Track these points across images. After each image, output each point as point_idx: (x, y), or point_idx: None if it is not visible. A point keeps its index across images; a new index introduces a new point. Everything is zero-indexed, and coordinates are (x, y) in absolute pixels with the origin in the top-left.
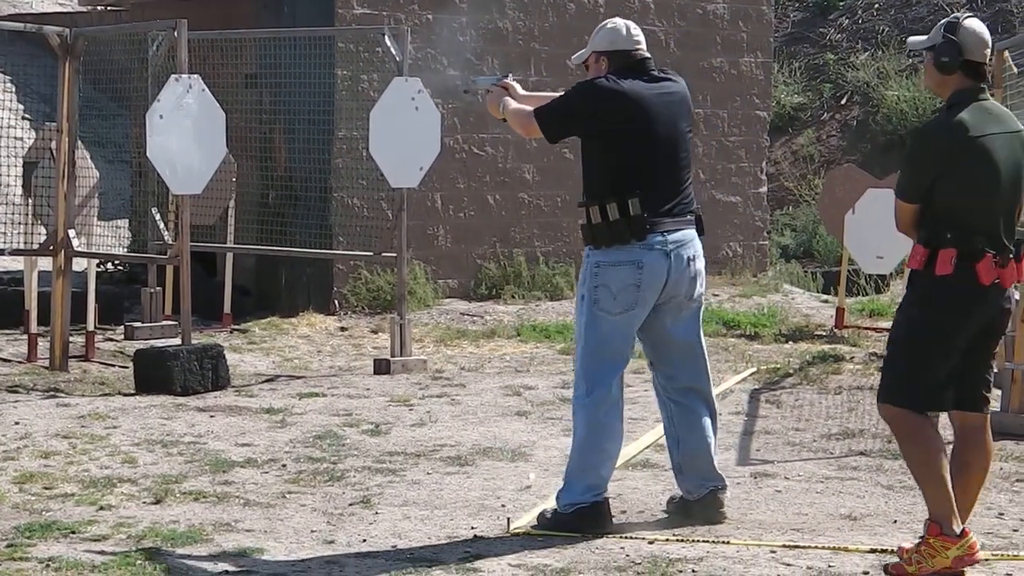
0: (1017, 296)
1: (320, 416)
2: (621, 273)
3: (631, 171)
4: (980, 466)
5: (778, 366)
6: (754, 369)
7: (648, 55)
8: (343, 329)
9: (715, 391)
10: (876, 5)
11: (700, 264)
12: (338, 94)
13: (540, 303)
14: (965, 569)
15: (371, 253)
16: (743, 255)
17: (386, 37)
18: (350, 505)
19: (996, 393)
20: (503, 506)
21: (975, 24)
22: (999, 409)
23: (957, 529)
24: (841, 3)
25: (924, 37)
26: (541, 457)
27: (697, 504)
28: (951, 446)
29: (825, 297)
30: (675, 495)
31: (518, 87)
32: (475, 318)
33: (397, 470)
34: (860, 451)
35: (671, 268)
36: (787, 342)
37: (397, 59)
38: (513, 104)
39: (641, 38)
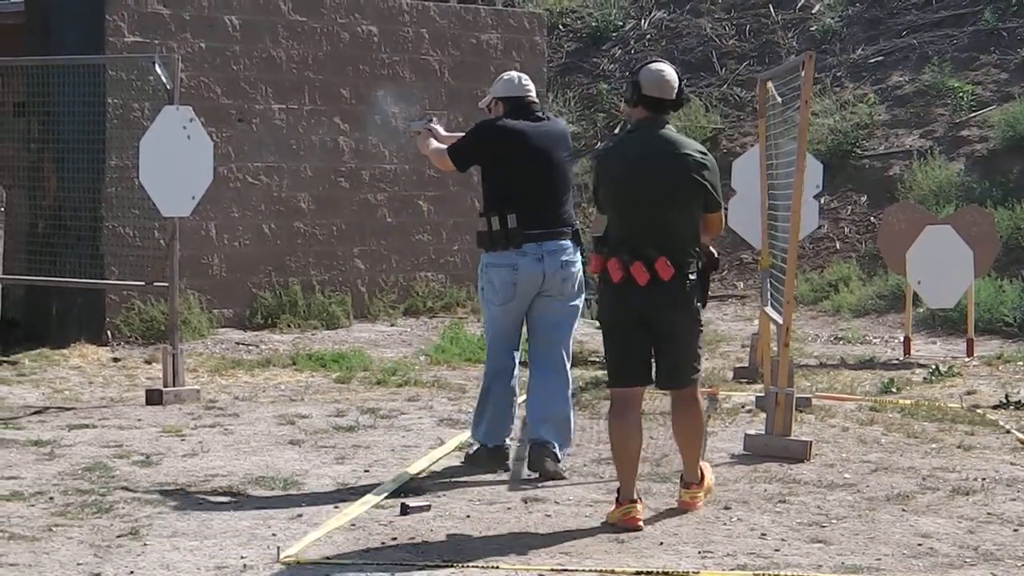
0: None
1: (90, 448)
2: (501, 273)
3: (514, 191)
4: (691, 427)
5: None
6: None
7: (535, 100)
8: (116, 360)
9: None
10: (648, 36)
11: (573, 269)
12: (109, 122)
13: (316, 332)
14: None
15: (143, 283)
16: None
17: (156, 65)
18: (118, 537)
19: (761, 416)
20: (274, 535)
21: (656, 67)
22: (764, 431)
23: (624, 498)
24: (614, 34)
25: None
26: (313, 485)
27: (528, 453)
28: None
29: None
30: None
31: (441, 129)
32: (250, 347)
33: (167, 501)
34: None
35: (545, 270)
36: None
37: (168, 87)
38: (433, 144)
39: (531, 87)
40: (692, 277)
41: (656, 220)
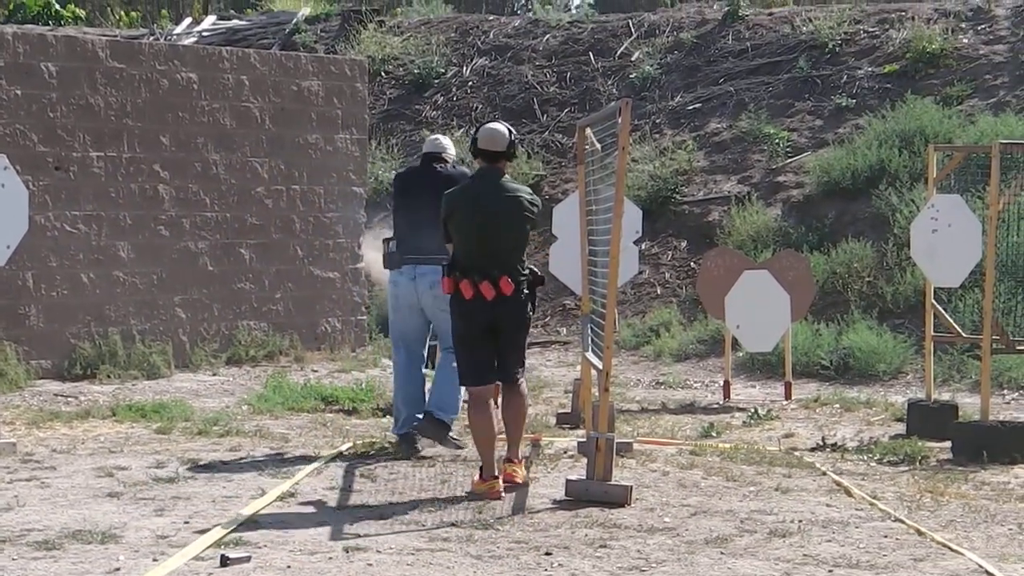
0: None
1: None
2: (389, 287)
3: (399, 224)
4: (517, 412)
5: (375, 440)
6: (351, 444)
7: (443, 156)
8: None
9: (313, 466)
10: (470, 83)
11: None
12: None
13: (137, 382)
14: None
15: None
16: (342, 330)
17: None
18: None
19: (583, 460)
20: None
21: (490, 125)
22: (585, 476)
23: (488, 476)
24: (436, 81)
25: None
26: (132, 538)
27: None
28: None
29: (425, 372)
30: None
31: None
32: (69, 399)
33: None
34: (452, 522)
35: (416, 289)
36: (384, 416)
37: None
38: None
39: (444, 144)
40: (526, 291)
41: (497, 247)
